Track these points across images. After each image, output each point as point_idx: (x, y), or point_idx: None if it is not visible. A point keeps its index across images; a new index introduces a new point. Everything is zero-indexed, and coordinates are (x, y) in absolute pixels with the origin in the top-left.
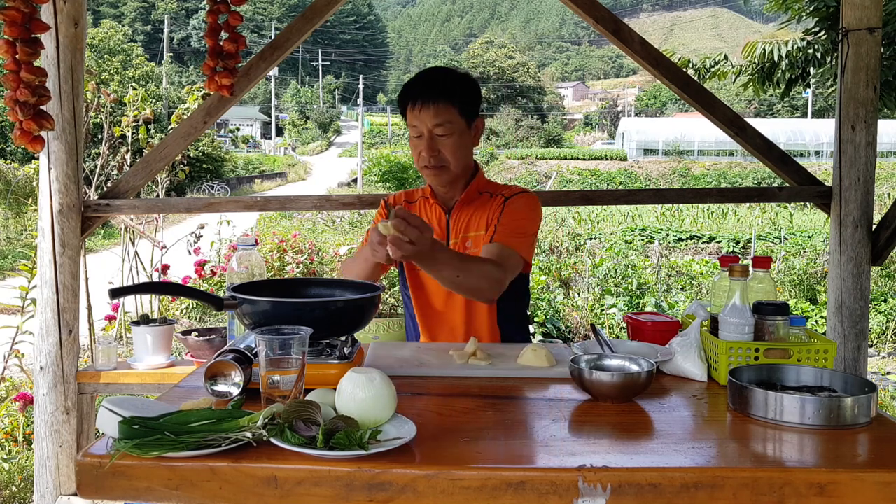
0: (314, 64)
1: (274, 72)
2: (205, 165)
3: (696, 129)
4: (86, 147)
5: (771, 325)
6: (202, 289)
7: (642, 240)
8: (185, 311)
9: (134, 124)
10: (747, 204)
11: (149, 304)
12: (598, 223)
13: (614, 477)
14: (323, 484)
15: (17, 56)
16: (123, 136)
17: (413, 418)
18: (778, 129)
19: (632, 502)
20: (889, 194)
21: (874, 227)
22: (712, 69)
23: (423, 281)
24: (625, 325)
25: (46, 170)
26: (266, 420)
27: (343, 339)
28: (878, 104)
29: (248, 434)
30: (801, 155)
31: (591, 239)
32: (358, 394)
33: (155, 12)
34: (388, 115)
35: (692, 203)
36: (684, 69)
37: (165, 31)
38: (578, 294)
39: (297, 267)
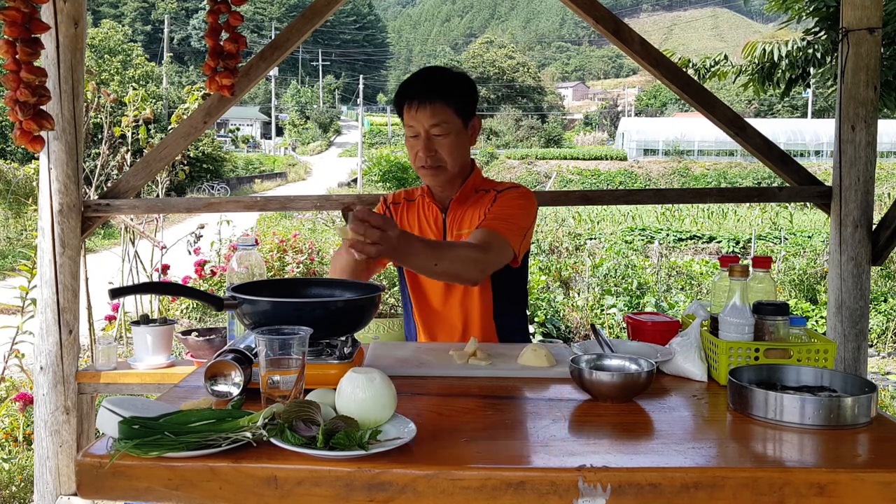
0: (314, 64)
1: (274, 72)
2: (205, 165)
3: (696, 129)
4: (86, 147)
5: (771, 325)
6: (202, 289)
7: (642, 240)
8: (185, 311)
9: (134, 124)
10: (747, 204)
11: (149, 304)
12: (598, 223)
13: (614, 477)
14: (323, 484)
15: (17, 56)
16: (123, 136)
17: (413, 418)
18: (778, 129)
19: (632, 502)
20: (889, 194)
21: (874, 227)
22: (712, 69)
23: (422, 281)
24: (625, 325)
25: (46, 170)
26: (266, 420)
27: (343, 339)
28: (878, 104)
29: (248, 434)
30: (801, 155)
31: (591, 239)
32: (358, 394)
33: (155, 12)
34: (388, 115)
35: (692, 203)
36: (684, 69)
37: (165, 31)
38: (578, 294)
39: (297, 267)
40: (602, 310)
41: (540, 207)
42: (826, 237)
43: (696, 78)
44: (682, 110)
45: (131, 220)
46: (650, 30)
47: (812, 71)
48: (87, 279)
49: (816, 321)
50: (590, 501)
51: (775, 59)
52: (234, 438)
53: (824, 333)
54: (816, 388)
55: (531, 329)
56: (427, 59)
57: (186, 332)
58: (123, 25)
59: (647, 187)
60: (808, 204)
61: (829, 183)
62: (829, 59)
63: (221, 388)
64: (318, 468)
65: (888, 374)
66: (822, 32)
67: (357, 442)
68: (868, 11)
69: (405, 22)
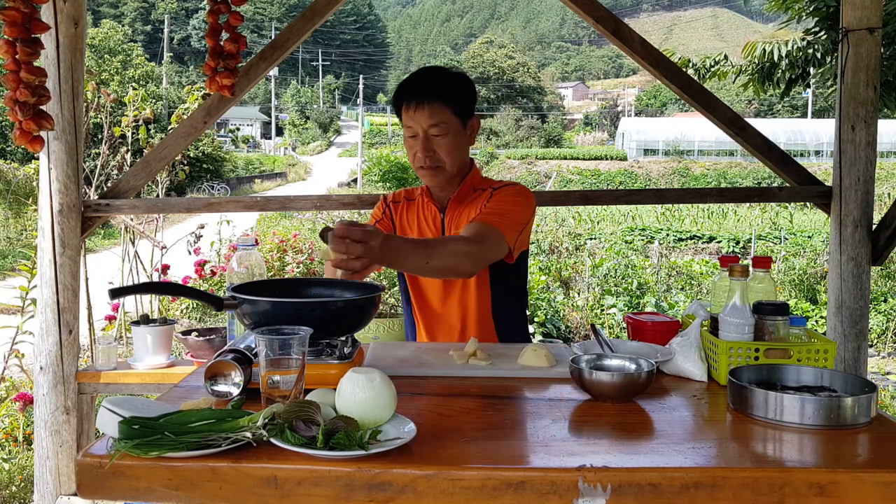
0: (314, 64)
1: (274, 72)
2: (205, 165)
3: (696, 129)
4: (86, 147)
5: (771, 325)
6: (202, 289)
7: (642, 240)
8: (185, 311)
9: (134, 124)
10: (747, 204)
11: (149, 304)
12: (598, 223)
13: (614, 477)
14: (323, 484)
15: (17, 56)
16: (123, 136)
17: (413, 418)
18: (778, 129)
19: (632, 502)
20: (889, 194)
21: (874, 227)
22: (712, 69)
23: (420, 280)
24: (625, 325)
25: (46, 170)
26: (266, 420)
27: (343, 339)
28: (878, 104)
29: (248, 434)
30: (801, 155)
31: (591, 239)
32: (358, 394)
33: (155, 12)
34: (388, 115)
35: (692, 203)
36: (684, 69)
37: (165, 31)
38: (578, 294)
39: (297, 267)
40: (602, 310)
41: (540, 207)
42: (826, 237)
43: (696, 78)
44: (682, 110)
45: (131, 220)
46: (650, 30)
47: (812, 71)
48: (87, 279)
49: (816, 321)
50: (590, 501)
51: (775, 59)
52: (234, 438)
53: (824, 333)
54: (816, 388)
55: (531, 329)
56: (427, 59)
57: (186, 332)
58: (123, 25)
59: (647, 187)
60: (808, 204)
61: (829, 183)
62: (829, 59)
63: (221, 388)
64: (318, 468)
65: (888, 374)
66: (822, 32)
67: (357, 442)
68: (868, 11)
69: (405, 22)
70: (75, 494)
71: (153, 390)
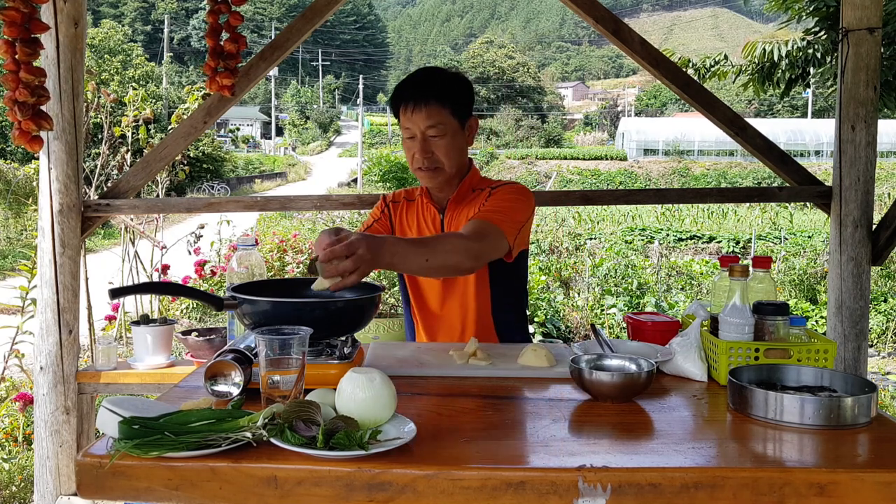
0: (314, 64)
1: (274, 72)
2: (205, 165)
3: (696, 129)
4: (86, 147)
5: (771, 325)
6: (202, 289)
7: (642, 240)
8: (185, 311)
9: (134, 124)
10: (747, 204)
11: (149, 304)
12: (598, 223)
13: (614, 477)
14: (323, 484)
15: (16, 56)
16: (123, 136)
17: (413, 418)
18: (778, 129)
19: (632, 502)
20: (889, 194)
21: (874, 227)
22: (712, 69)
23: (420, 281)
24: (625, 325)
25: (46, 170)
26: (266, 420)
27: (343, 339)
28: (878, 104)
29: (248, 434)
30: (801, 155)
31: (591, 239)
32: (358, 394)
33: (155, 12)
34: (387, 115)
35: (692, 203)
36: (684, 69)
37: (165, 31)
38: (578, 294)
39: (297, 267)
40: (602, 310)
41: (540, 207)
42: (826, 237)
43: (696, 78)
44: (682, 110)
45: (131, 220)
46: (650, 30)
47: (812, 71)
48: (87, 279)
49: (816, 321)
50: (590, 501)
51: (775, 59)
52: (234, 438)
53: (824, 333)
54: (816, 388)
55: (531, 329)
56: (427, 59)
57: (186, 332)
58: (123, 25)
59: (647, 187)
60: (808, 204)
61: (829, 183)
62: (829, 59)
63: (221, 388)
64: (318, 468)
65: (888, 374)
66: (822, 32)
67: (357, 442)
68: (868, 11)
69: (405, 22)
70: (75, 494)
71: (153, 390)
